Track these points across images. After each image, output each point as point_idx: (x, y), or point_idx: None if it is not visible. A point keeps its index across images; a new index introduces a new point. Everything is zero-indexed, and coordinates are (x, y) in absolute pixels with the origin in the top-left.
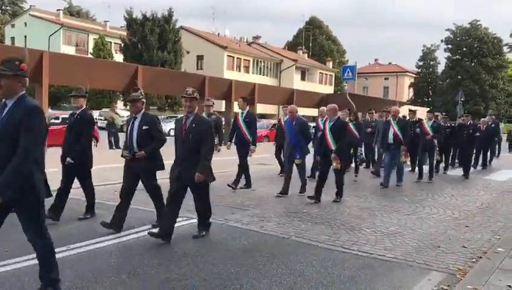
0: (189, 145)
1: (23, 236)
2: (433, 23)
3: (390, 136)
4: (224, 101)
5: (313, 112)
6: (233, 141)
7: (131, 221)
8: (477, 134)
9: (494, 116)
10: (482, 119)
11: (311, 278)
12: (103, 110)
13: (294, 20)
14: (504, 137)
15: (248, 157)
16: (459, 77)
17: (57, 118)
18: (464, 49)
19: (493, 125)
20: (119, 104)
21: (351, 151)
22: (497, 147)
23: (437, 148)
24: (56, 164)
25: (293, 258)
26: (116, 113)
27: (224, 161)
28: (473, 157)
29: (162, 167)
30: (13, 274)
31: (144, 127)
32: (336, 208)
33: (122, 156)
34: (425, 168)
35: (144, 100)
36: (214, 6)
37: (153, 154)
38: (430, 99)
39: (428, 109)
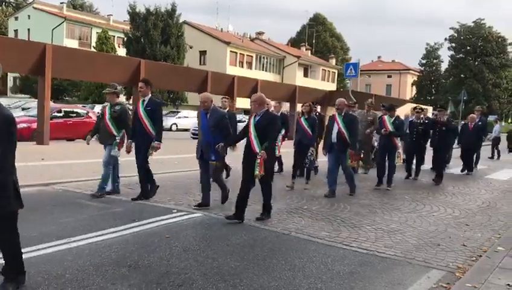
0: None
1: (27, 229)
2: (437, 21)
3: (334, 134)
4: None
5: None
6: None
7: (132, 215)
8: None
9: (481, 112)
10: (470, 115)
11: (310, 273)
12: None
13: (298, 17)
14: (503, 137)
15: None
16: (462, 75)
17: (60, 112)
18: (468, 47)
19: (480, 123)
20: (122, 97)
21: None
22: (494, 149)
23: (399, 150)
24: (56, 158)
25: (293, 254)
26: None
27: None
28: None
29: None
30: None
31: None
32: (337, 205)
33: None
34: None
35: None
36: (218, 1)
37: None
38: (433, 97)
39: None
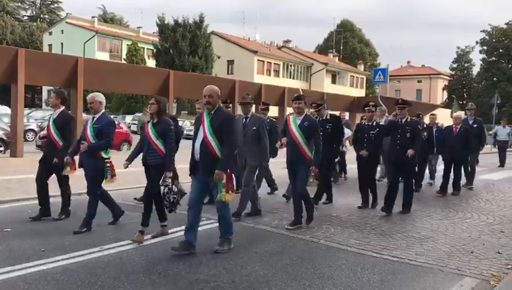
0: None
1: (59, 237)
2: (468, 24)
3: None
4: (254, 106)
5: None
6: None
7: None
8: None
9: (474, 111)
10: (455, 114)
11: (340, 282)
12: (136, 114)
13: (324, 24)
14: None
15: None
16: (495, 79)
17: None
18: (500, 50)
19: (475, 125)
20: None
21: None
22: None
23: (311, 167)
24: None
25: (322, 262)
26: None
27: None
28: (424, 172)
29: None
30: (49, 273)
31: None
32: (367, 212)
33: None
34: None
35: None
36: (244, 11)
37: None
38: (465, 102)
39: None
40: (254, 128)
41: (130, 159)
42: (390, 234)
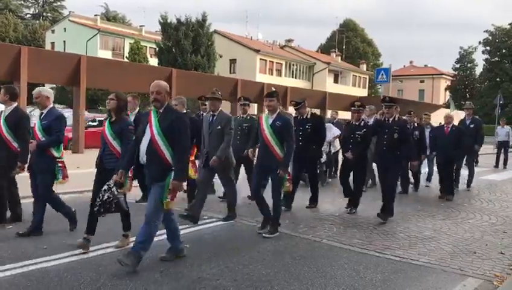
0: None
1: (61, 235)
2: (470, 24)
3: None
4: (256, 104)
5: (345, 114)
6: None
7: None
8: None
9: (472, 111)
10: (446, 114)
11: (342, 281)
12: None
13: (327, 23)
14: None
15: None
16: (497, 79)
17: (94, 121)
18: (504, 50)
19: (472, 125)
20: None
21: None
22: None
23: (279, 171)
24: (91, 166)
25: (324, 261)
26: None
27: None
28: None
29: None
30: (51, 270)
31: None
32: (369, 212)
33: None
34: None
35: None
36: (247, 10)
37: None
38: (467, 102)
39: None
40: (219, 127)
41: None
42: (392, 233)
